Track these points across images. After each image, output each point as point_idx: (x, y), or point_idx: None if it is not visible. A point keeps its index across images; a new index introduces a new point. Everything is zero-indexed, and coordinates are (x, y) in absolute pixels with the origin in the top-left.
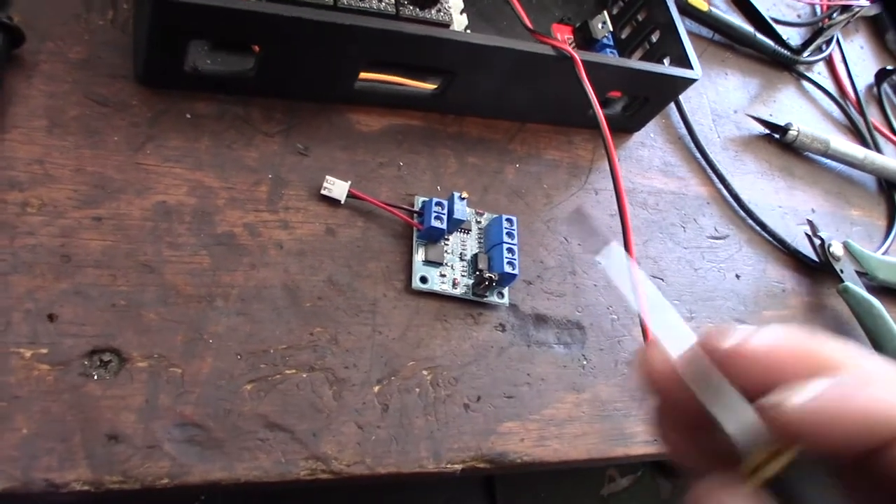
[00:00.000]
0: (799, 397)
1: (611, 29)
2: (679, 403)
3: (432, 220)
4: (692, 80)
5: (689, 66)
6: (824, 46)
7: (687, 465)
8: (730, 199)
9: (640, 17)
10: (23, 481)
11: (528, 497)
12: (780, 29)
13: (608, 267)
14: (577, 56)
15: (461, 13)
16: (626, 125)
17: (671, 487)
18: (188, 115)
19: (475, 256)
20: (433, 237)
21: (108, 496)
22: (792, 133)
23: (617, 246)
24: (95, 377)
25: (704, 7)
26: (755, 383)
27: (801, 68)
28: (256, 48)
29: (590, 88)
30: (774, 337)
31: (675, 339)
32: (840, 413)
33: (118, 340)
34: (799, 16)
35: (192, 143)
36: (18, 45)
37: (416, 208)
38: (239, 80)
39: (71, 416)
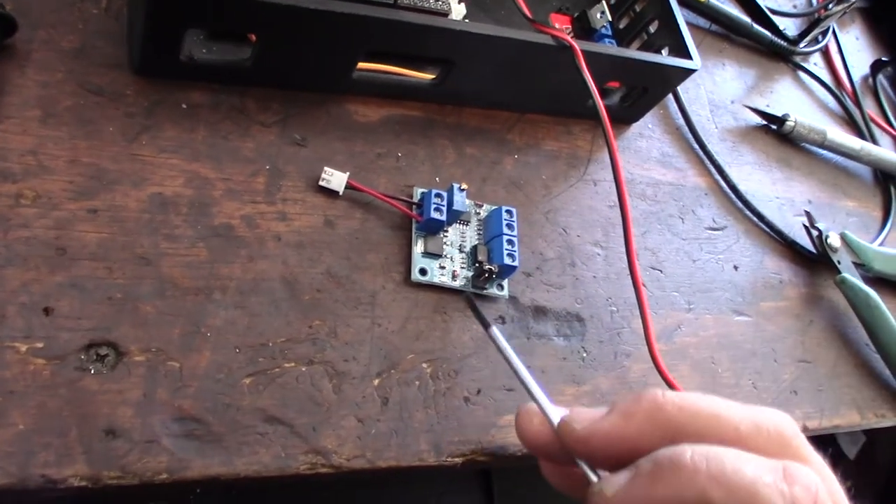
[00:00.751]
0: (608, 489)
1: (609, 19)
2: (549, 456)
3: (432, 212)
4: (691, 71)
5: (689, 57)
6: (820, 37)
7: (563, 492)
8: (727, 190)
9: (637, 8)
10: (19, 477)
11: (525, 490)
12: (776, 19)
13: (497, 342)
14: (577, 46)
15: (459, 2)
16: (624, 116)
17: None
18: (184, 105)
19: (474, 248)
20: (432, 229)
21: (106, 491)
22: (789, 124)
23: (496, 331)
24: (92, 371)
25: None
26: (601, 458)
27: (798, 59)
28: (253, 37)
29: (590, 79)
30: (615, 423)
31: (549, 412)
32: None
33: (115, 334)
34: (795, 6)
35: (187, 134)
36: (11, 34)
37: (415, 200)
38: (235, 69)
39: (67, 410)
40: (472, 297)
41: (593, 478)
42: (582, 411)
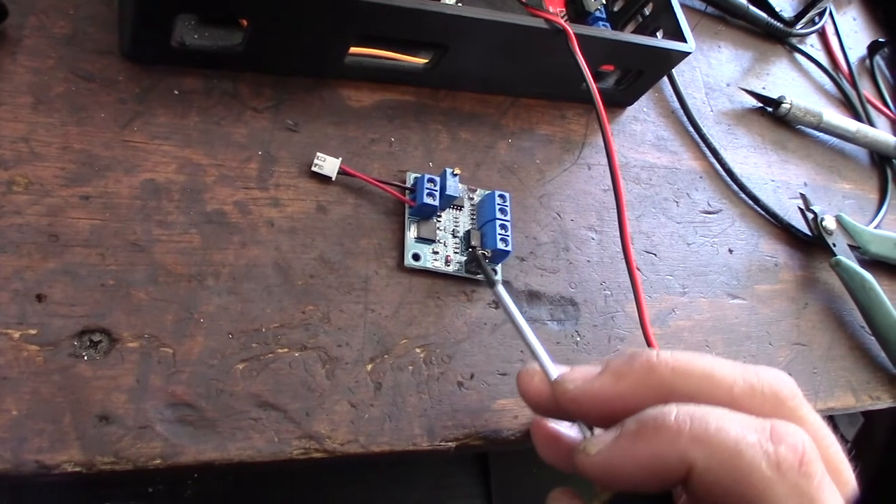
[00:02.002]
0: (592, 448)
1: (603, 1)
2: (549, 414)
3: (424, 197)
4: (686, 54)
5: (683, 39)
6: (817, 18)
7: (555, 466)
8: (723, 173)
9: None
10: (14, 463)
11: (521, 472)
12: (772, 1)
13: (502, 300)
14: (570, 29)
15: None
16: (618, 99)
17: None
18: (176, 91)
19: (468, 233)
20: (425, 214)
21: (101, 477)
22: (785, 106)
23: (501, 288)
24: (85, 358)
25: None
26: (594, 417)
27: (794, 41)
28: (244, 22)
29: (583, 62)
30: (606, 383)
31: (548, 368)
32: (618, 467)
33: (108, 320)
34: None
35: (180, 120)
36: (1, 21)
37: (408, 185)
38: (227, 54)
39: (61, 397)
40: (479, 255)
41: (588, 436)
42: (578, 370)
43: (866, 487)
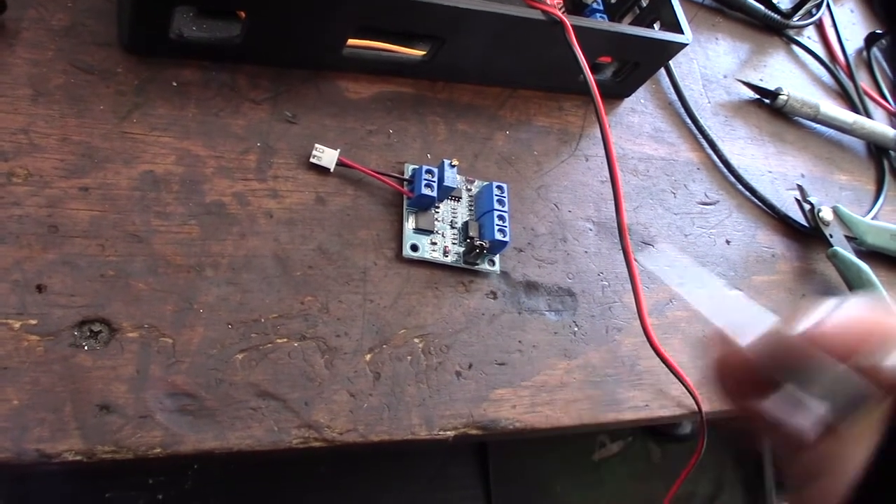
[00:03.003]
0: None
1: None
2: (753, 385)
3: (423, 188)
4: (683, 45)
5: (680, 31)
6: (814, 10)
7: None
8: (720, 164)
9: None
10: (15, 452)
11: (520, 462)
12: None
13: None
14: (568, 21)
15: None
16: (616, 91)
17: (661, 452)
18: (174, 83)
19: (466, 224)
20: (423, 205)
21: (102, 466)
22: (782, 98)
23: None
24: (86, 348)
25: None
26: (839, 349)
27: (792, 32)
28: (242, 14)
29: (580, 54)
30: (845, 315)
31: (744, 326)
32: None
33: (108, 311)
34: None
35: (178, 112)
36: (0, 13)
37: (406, 176)
38: (225, 46)
39: (62, 386)
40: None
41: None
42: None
43: (863, 479)
